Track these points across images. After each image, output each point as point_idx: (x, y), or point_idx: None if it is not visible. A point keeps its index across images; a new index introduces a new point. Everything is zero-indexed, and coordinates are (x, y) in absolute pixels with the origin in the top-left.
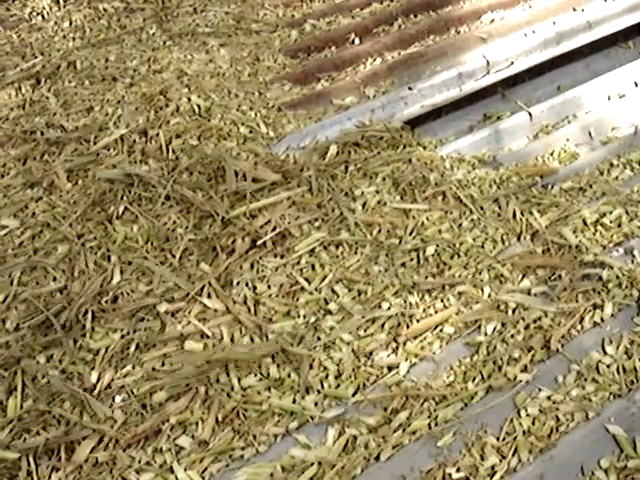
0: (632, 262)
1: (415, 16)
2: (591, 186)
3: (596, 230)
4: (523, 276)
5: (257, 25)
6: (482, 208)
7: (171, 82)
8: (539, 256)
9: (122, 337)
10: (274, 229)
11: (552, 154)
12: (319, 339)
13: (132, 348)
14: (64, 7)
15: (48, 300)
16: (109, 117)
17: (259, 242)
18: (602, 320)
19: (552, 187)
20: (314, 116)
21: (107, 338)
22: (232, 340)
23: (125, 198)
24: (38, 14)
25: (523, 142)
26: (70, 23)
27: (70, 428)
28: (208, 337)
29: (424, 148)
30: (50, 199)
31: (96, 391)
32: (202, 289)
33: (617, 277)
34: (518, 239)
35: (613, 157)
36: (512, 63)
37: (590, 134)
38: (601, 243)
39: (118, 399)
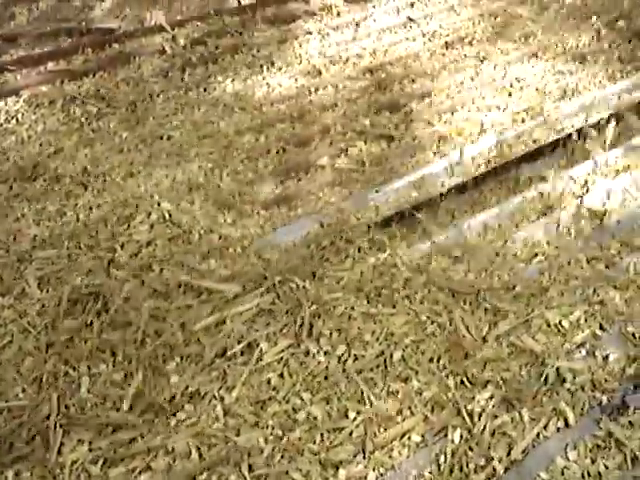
0: (595, 364)
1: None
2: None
3: (559, 331)
4: (487, 382)
5: (226, 130)
6: (451, 311)
7: (141, 188)
8: (503, 360)
9: (90, 450)
10: (242, 337)
11: (516, 255)
12: (286, 451)
13: (99, 463)
14: (38, 111)
15: (16, 413)
16: (80, 223)
17: (229, 353)
18: (566, 425)
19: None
20: (285, 217)
21: (75, 452)
22: (199, 454)
23: (95, 307)
24: (12, 117)
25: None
26: (44, 127)
27: None
28: (174, 451)
29: (393, 249)
30: (20, 308)
31: None
32: (171, 400)
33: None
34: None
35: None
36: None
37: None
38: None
39: None
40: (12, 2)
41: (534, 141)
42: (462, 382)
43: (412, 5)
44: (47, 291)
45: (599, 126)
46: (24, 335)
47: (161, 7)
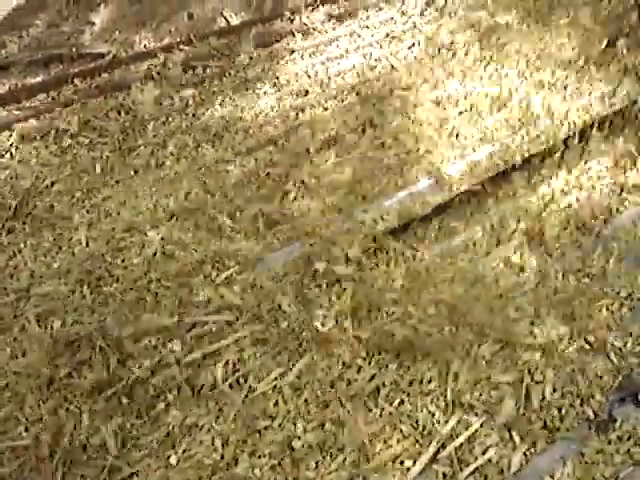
0: (583, 379)
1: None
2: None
3: (546, 347)
4: (476, 403)
5: (216, 155)
6: (440, 331)
7: (135, 218)
8: (491, 380)
9: None
10: (234, 366)
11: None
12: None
13: None
14: (31, 145)
15: (18, 452)
16: (76, 258)
17: (224, 383)
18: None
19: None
20: (276, 242)
21: None
22: None
23: (93, 343)
24: (6, 152)
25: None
26: (37, 161)
27: None
28: None
29: (382, 270)
30: (21, 345)
31: None
32: (168, 434)
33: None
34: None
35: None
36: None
37: None
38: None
39: None
40: (2, 30)
41: (519, 154)
42: (453, 403)
43: (395, 20)
44: (46, 328)
45: (581, 136)
46: (25, 373)
47: (149, 30)
